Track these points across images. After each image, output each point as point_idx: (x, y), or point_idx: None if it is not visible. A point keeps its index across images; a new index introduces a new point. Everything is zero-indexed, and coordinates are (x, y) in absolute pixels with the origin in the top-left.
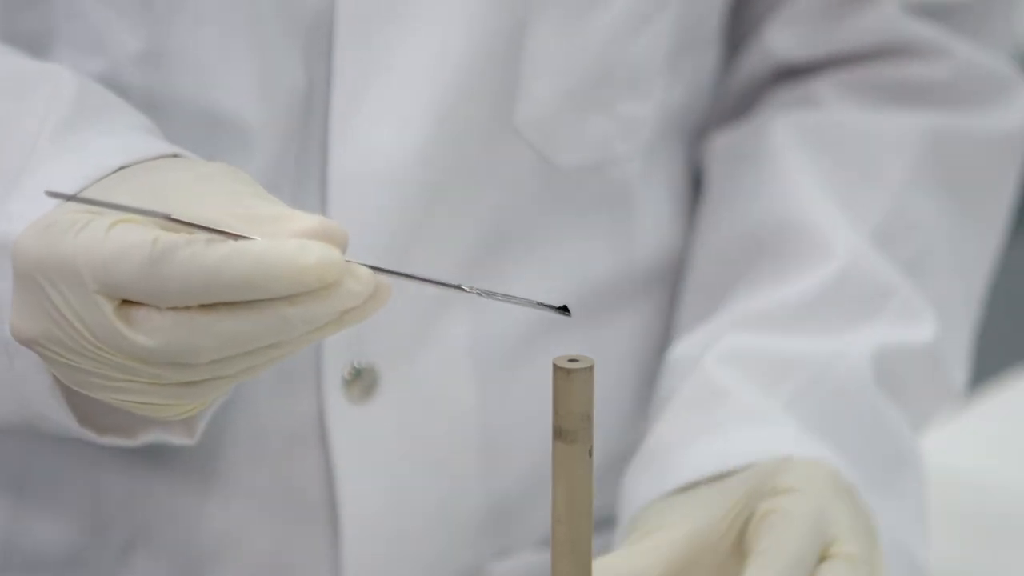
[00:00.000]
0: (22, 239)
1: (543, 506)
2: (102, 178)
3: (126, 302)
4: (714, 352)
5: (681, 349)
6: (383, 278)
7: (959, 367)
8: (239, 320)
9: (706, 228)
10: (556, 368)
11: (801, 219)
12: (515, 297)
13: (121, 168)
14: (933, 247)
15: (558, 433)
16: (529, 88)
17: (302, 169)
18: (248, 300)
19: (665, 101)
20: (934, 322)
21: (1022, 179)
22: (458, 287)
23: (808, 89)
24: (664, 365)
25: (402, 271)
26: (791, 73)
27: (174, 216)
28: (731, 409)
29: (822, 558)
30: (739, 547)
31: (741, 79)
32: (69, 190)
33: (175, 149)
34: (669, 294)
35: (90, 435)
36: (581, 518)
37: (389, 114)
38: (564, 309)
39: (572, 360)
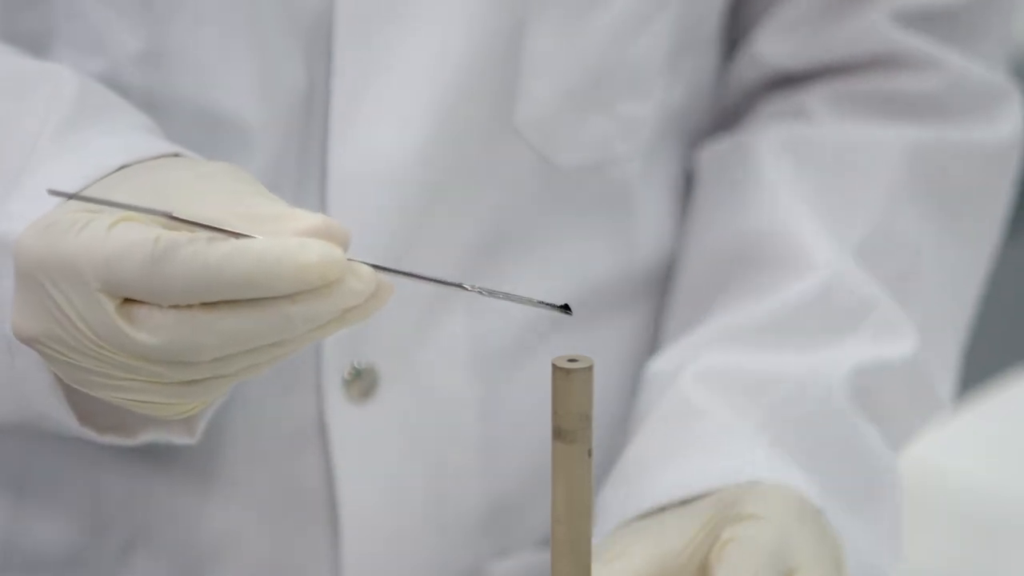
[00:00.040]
0: (23, 238)
1: (542, 506)
2: (103, 177)
3: (128, 300)
4: (690, 371)
5: (659, 363)
6: (385, 277)
7: (945, 380)
8: (241, 318)
9: (691, 239)
10: (555, 368)
11: (783, 233)
12: (516, 296)
13: (122, 167)
14: (920, 260)
15: (557, 433)
16: (529, 88)
17: (302, 169)
18: (250, 298)
19: (665, 101)
20: (914, 336)
21: (1020, 181)
22: (459, 285)
23: (798, 100)
24: (643, 379)
25: (403, 269)
26: (782, 83)
27: (176, 215)
28: (702, 431)
29: None
30: (703, 573)
31: (734, 87)
32: (70, 189)
33: (176, 148)
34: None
35: (90, 434)
36: (580, 518)
37: (389, 114)
38: (565, 308)
39: (571, 360)
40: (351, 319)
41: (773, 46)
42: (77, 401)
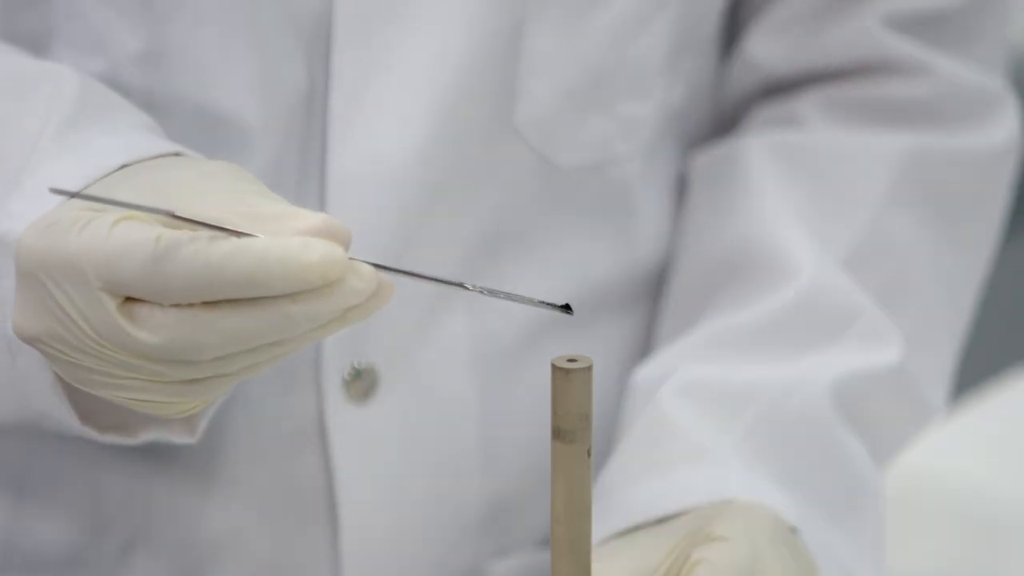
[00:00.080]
0: (25, 237)
1: (542, 506)
2: (104, 177)
3: (129, 299)
4: (670, 384)
5: (643, 372)
6: (386, 276)
7: (938, 387)
8: (242, 317)
9: (682, 245)
10: (555, 368)
11: (768, 240)
12: (518, 295)
13: (123, 167)
14: (912, 267)
15: (557, 433)
16: (529, 88)
17: (302, 169)
18: (251, 297)
19: (665, 101)
20: (901, 344)
21: (1019, 181)
22: (461, 285)
23: (790, 107)
24: (628, 387)
25: (405, 269)
26: (775, 90)
27: (177, 213)
28: (678, 448)
29: None
30: None
31: (730, 94)
32: (71, 189)
33: (177, 147)
34: None
35: (91, 433)
36: (580, 518)
37: (389, 114)
38: (566, 308)
39: (571, 360)
40: (352, 318)
41: (765, 48)
42: (78, 400)
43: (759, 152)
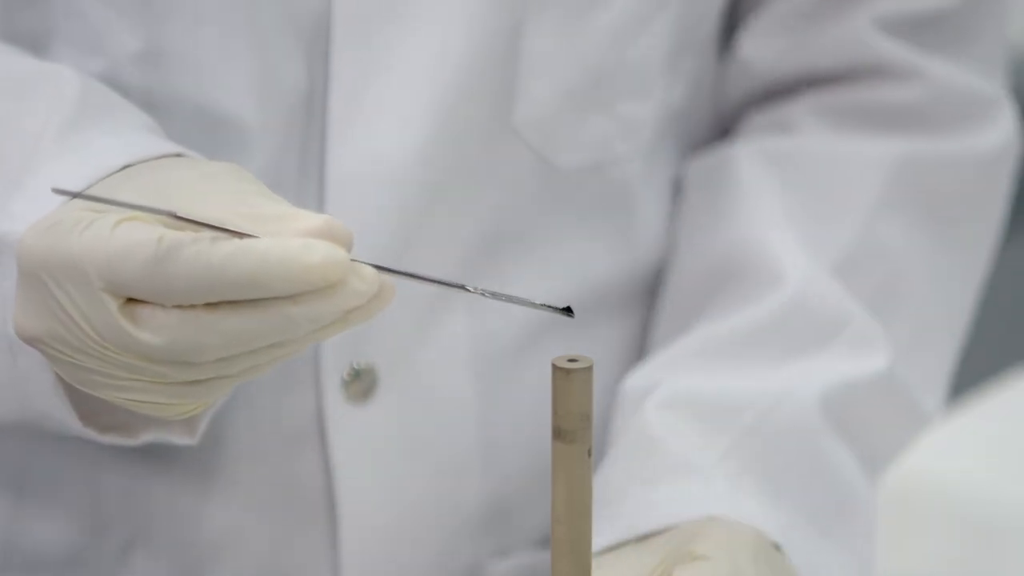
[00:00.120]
0: (26, 238)
1: (542, 506)
2: (106, 177)
3: (131, 300)
4: (656, 396)
5: (632, 382)
6: (387, 278)
7: (932, 392)
8: (244, 319)
9: (674, 251)
10: (555, 368)
11: (759, 248)
12: (519, 298)
13: (125, 167)
14: (905, 272)
15: (557, 433)
16: (528, 88)
17: (301, 169)
18: (253, 299)
19: (665, 101)
20: (890, 350)
21: (1018, 182)
22: (462, 287)
23: (783, 113)
24: (616, 396)
25: (406, 270)
26: (769, 96)
27: (179, 214)
28: (662, 464)
29: None
30: None
31: (725, 97)
32: (73, 189)
33: (179, 148)
34: None
35: (92, 434)
36: (580, 518)
37: (388, 114)
38: (568, 310)
39: (571, 360)
40: (354, 320)
41: (758, 49)
42: (79, 401)
43: (751, 158)
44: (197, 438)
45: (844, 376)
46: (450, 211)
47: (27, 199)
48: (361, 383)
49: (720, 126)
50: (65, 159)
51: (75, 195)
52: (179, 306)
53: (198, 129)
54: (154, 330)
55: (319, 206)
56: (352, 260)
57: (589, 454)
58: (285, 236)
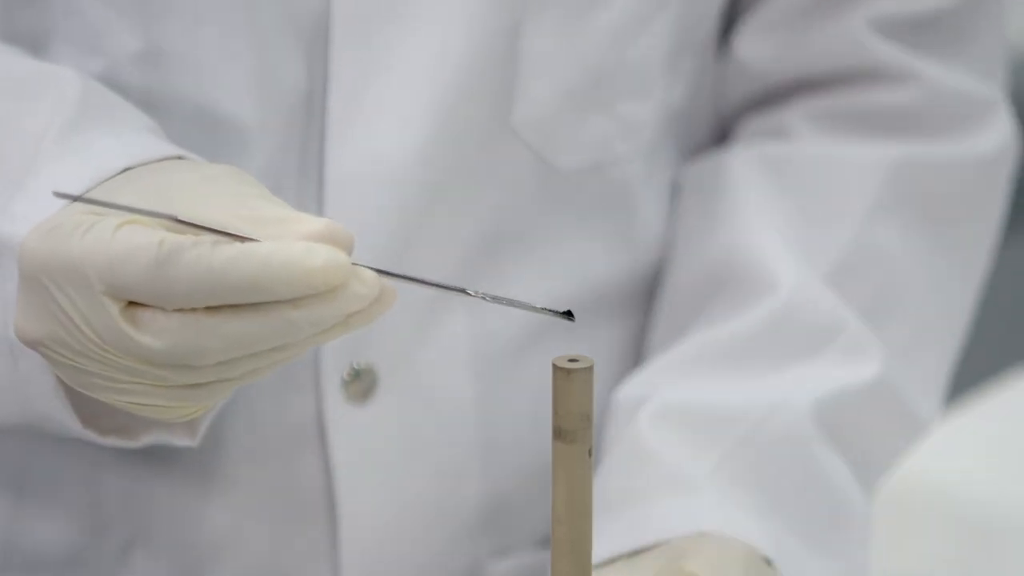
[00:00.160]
0: (28, 241)
1: (542, 506)
2: (106, 180)
3: (132, 304)
4: (648, 408)
5: (626, 391)
6: (388, 281)
7: (928, 398)
8: (245, 322)
9: (669, 258)
10: (556, 368)
11: (752, 255)
12: (519, 302)
13: (126, 170)
14: (901, 277)
15: (558, 433)
16: (528, 88)
17: (301, 170)
18: (254, 303)
19: (665, 101)
20: (883, 358)
21: (1018, 182)
22: (463, 291)
23: (778, 118)
24: (610, 405)
25: (407, 274)
26: (765, 101)
27: (180, 217)
28: (654, 477)
29: None
30: None
31: (723, 101)
32: (74, 192)
33: (180, 151)
34: None
35: (92, 436)
36: (581, 518)
37: (388, 114)
38: (568, 314)
39: (572, 360)
40: (354, 324)
41: (754, 49)
42: (80, 403)
43: (746, 164)
44: (198, 440)
45: (837, 384)
46: (450, 211)
47: (29, 201)
48: (361, 383)
49: (720, 127)
50: (66, 160)
51: (75, 198)
52: (180, 310)
53: (198, 129)
54: (155, 334)
55: (319, 206)
56: (353, 264)
57: (590, 454)
58: (286, 240)
